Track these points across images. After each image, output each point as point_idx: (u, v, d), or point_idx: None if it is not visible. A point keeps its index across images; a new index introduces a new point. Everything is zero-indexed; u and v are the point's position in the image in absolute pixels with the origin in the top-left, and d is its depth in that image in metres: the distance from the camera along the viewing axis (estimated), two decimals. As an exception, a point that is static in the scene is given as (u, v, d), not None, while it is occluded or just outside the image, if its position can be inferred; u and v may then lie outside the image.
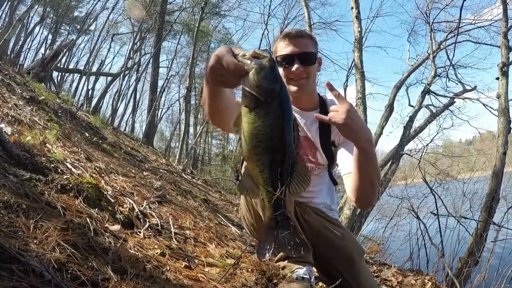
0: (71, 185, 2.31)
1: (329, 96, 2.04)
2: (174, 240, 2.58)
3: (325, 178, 2.16)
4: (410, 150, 9.46)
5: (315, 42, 1.94)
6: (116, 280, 1.51)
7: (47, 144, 3.17)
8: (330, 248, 1.99)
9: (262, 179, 1.03)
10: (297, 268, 1.85)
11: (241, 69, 1.02)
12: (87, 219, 1.99)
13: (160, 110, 23.80)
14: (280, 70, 1.82)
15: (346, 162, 1.83)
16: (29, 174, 2.23)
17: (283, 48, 1.88)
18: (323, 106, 2.00)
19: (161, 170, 6.57)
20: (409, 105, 10.84)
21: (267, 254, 1.10)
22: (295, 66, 1.83)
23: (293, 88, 1.87)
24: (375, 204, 8.34)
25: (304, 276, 1.81)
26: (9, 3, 13.83)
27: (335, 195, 2.35)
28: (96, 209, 2.28)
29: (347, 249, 1.98)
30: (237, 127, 1.03)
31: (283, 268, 1.96)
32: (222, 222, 4.28)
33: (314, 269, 2.09)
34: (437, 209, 6.38)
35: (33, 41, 18.85)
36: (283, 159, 1.01)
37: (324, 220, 2.04)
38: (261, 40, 22.82)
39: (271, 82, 0.99)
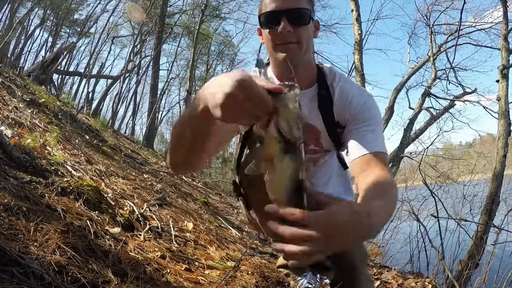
0: (71, 188, 2.31)
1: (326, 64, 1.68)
2: (174, 242, 2.58)
3: (334, 164, 1.82)
4: (411, 153, 9.46)
5: (311, 0, 1.49)
6: (116, 282, 1.51)
7: (47, 147, 3.17)
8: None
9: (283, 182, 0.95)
10: (299, 278, 1.81)
11: (268, 104, 0.87)
12: (87, 221, 1.99)
13: (161, 112, 23.79)
14: (266, 34, 1.45)
15: (355, 147, 1.47)
16: (29, 176, 2.23)
17: (267, 4, 1.42)
18: (321, 81, 1.58)
19: (161, 173, 6.57)
20: (409, 107, 10.87)
21: None
22: (282, 25, 1.38)
23: (280, 55, 1.43)
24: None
25: (309, 286, 1.77)
26: (9, 5, 13.85)
27: (348, 180, 2.01)
28: (97, 212, 2.28)
29: (350, 255, 1.77)
30: (262, 171, 0.95)
31: (287, 275, 1.93)
32: (222, 225, 4.28)
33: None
34: (437, 211, 6.36)
35: (33, 43, 18.97)
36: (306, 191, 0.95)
37: None
38: (261, 44, 22.85)
39: (306, 119, 0.93)
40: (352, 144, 1.47)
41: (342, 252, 1.41)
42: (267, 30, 1.44)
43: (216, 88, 0.90)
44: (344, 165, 1.81)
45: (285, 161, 0.91)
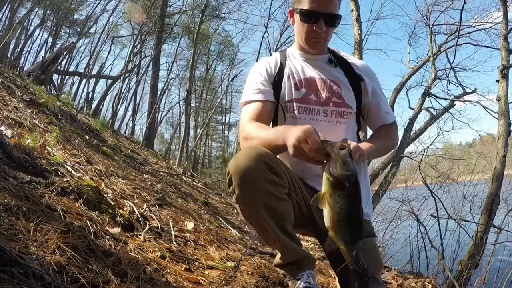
0: (71, 188, 2.31)
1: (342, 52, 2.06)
2: (174, 242, 2.58)
3: (352, 135, 1.95)
4: (411, 153, 9.47)
5: (339, 3, 1.82)
6: (116, 283, 1.50)
7: (47, 147, 3.17)
8: (343, 258, 1.87)
9: (344, 243, 1.31)
10: (296, 279, 1.79)
11: (323, 150, 1.27)
12: (87, 221, 1.99)
13: (160, 112, 23.78)
14: (302, 24, 1.80)
15: (379, 115, 2.00)
16: (29, 177, 2.23)
17: (308, 2, 1.73)
18: (337, 57, 1.96)
19: (161, 173, 6.57)
20: (409, 107, 10.88)
21: None
22: (319, 26, 1.74)
23: (311, 44, 1.85)
24: (377, 203, 8.34)
25: (305, 286, 1.75)
26: (9, 5, 13.85)
27: (366, 166, 2.17)
28: (96, 212, 2.28)
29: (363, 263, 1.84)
30: (318, 204, 1.27)
31: (284, 275, 1.91)
32: (222, 225, 4.28)
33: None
34: (437, 211, 6.37)
35: (33, 43, 18.91)
36: (359, 225, 1.29)
37: None
38: (261, 43, 22.81)
39: (355, 171, 1.23)
40: (377, 113, 1.99)
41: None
42: (305, 24, 1.78)
43: (293, 132, 1.39)
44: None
45: (334, 199, 1.22)
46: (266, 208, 1.58)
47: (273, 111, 1.88)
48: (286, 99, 1.87)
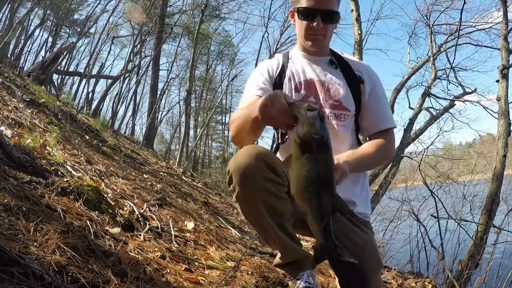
0: (71, 188, 2.31)
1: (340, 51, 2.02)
2: (174, 242, 2.58)
3: (350, 138, 1.93)
4: (411, 153, 9.46)
5: (338, 1, 1.84)
6: (116, 282, 1.51)
7: (47, 147, 3.18)
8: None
9: (311, 213, 1.22)
10: (296, 278, 1.79)
11: (290, 113, 1.23)
12: (87, 222, 1.99)
13: (160, 112, 23.78)
14: (301, 22, 1.81)
15: (374, 119, 1.90)
16: (29, 177, 2.24)
17: (305, 0, 1.77)
18: (339, 59, 1.94)
19: (161, 173, 6.57)
20: (409, 107, 10.85)
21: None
22: (316, 23, 1.75)
23: (309, 43, 1.84)
24: (378, 202, 8.34)
25: (305, 286, 1.75)
26: (9, 5, 13.85)
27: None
28: (96, 212, 2.29)
29: (362, 263, 1.74)
30: (286, 168, 1.22)
31: (284, 275, 1.91)
32: (222, 225, 4.28)
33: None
34: (437, 211, 6.37)
35: (33, 43, 18.89)
36: (330, 196, 1.19)
37: (346, 222, 1.84)
38: (261, 43, 22.86)
39: (323, 134, 1.16)
40: (374, 117, 1.90)
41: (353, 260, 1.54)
42: (304, 22, 1.79)
43: (262, 99, 1.40)
44: (360, 143, 1.97)
45: (300, 162, 1.14)
46: (265, 207, 1.57)
47: None
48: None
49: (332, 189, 1.21)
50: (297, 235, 1.94)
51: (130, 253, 1.95)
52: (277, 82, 1.90)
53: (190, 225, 3.20)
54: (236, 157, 1.59)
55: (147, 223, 2.71)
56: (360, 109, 1.91)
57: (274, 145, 1.99)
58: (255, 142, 1.66)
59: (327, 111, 1.85)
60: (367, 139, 1.96)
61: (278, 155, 1.90)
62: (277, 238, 1.69)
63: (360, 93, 1.89)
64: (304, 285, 1.72)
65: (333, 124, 1.83)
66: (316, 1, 1.75)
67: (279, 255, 1.85)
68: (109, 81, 18.84)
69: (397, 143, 9.52)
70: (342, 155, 1.60)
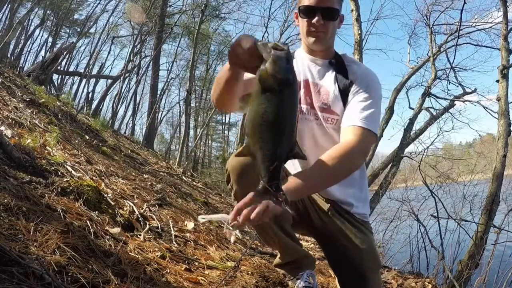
0: (71, 188, 2.31)
1: (348, 55, 2.01)
2: (174, 242, 2.58)
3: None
4: (411, 153, 9.45)
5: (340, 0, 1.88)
6: (116, 282, 1.51)
7: (47, 147, 3.18)
8: (342, 258, 1.87)
9: (261, 154, 1.13)
10: (296, 278, 1.80)
11: (257, 53, 1.16)
12: (87, 222, 1.99)
13: (160, 112, 23.81)
14: (302, 21, 1.83)
15: (348, 113, 1.77)
16: (29, 177, 2.23)
17: None
18: (339, 62, 1.91)
19: (161, 173, 6.57)
20: (409, 107, 10.84)
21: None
22: (316, 19, 1.77)
23: (311, 39, 1.84)
24: (375, 205, 8.34)
25: (307, 285, 1.76)
26: (9, 5, 13.85)
27: (365, 171, 2.09)
28: (96, 212, 2.28)
29: (361, 263, 1.82)
30: (243, 103, 1.21)
31: (284, 275, 1.92)
32: (222, 225, 4.28)
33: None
34: (437, 211, 6.37)
35: (33, 43, 18.93)
36: (283, 141, 1.12)
37: (344, 222, 1.86)
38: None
39: (285, 73, 1.10)
40: (346, 112, 1.78)
41: (352, 259, 1.74)
42: (305, 19, 1.81)
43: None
44: None
45: (259, 99, 1.10)
46: None
47: None
48: None
49: (290, 134, 1.14)
50: (297, 235, 1.95)
51: (130, 253, 1.95)
52: None
53: (190, 225, 3.20)
54: (234, 155, 1.62)
55: (147, 223, 2.71)
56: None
57: None
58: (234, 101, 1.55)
59: (318, 113, 1.86)
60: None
61: None
62: (276, 238, 1.70)
63: (347, 97, 1.85)
64: (304, 285, 1.73)
65: (324, 125, 1.85)
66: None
67: (279, 255, 1.85)
68: (109, 81, 18.89)
69: (397, 143, 9.53)
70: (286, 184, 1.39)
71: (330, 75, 1.89)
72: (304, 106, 1.87)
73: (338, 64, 1.91)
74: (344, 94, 1.84)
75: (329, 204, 1.89)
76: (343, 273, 1.92)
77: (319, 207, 1.90)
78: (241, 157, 1.57)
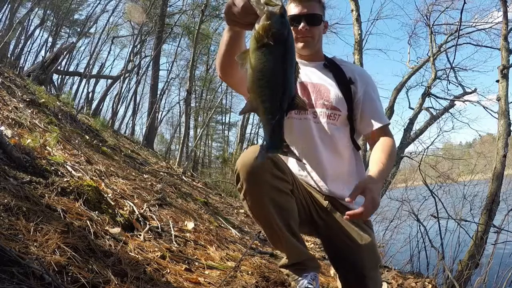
0: (71, 188, 2.31)
1: (338, 56, 2.17)
2: (174, 243, 2.58)
3: (344, 137, 2.02)
4: (411, 153, 9.45)
5: (323, 7, 2.03)
6: (116, 282, 1.51)
7: (47, 147, 3.17)
8: (341, 254, 1.93)
9: (263, 108, 1.16)
10: (300, 278, 1.81)
11: (251, 10, 1.17)
12: (87, 222, 1.99)
13: (160, 112, 23.80)
14: None
15: (370, 117, 1.98)
16: (29, 177, 2.23)
17: (292, 9, 1.96)
18: (331, 62, 2.08)
19: (161, 173, 6.57)
20: (409, 107, 10.84)
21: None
22: (301, 25, 1.92)
23: (299, 44, 1.98)
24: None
25: (309, 285, 1.77)
26: (9, 5, 13.85)
27: (363, 167, 2.17)
28: (96, 212, 2.28)
29: (361, 259, 1.87)
30: (242, 61, 1.16)
31: (287, 275, 1.93)
32: (222, 225, 4.28)
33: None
34: (437, 211, 6.37)
35: (33, 43, 18.92)
36: (283, 93, 1.15)
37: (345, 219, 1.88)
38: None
39: (280, 27, 1.11)
40: (368, 116, 1.98)
41: (351, 256, 1.87)
42: (291, 27, 1.72)
43: None
44: (357, 146, 2.08)
45: (255, 55, 1.12)
46: (272, 203, 1.64)
47: None
48: None
49: (290, 86, 1.17)
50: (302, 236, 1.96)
51: (130, 253, 1.95)
52: None
53: (190, 225, 3.20)
54: (243, 154, 1.67)
55: (147, 223, 2.71)
56: (353, 109, 2.00)
57: None
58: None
59: (318, 110, 1.96)
60: (363, 137, 2.18)
61: None
62: (284, 238, 1.73)
63: (351, 94, 2.00)
64: (306, 285, 1.74)
65: (323, 123, 1.95)
66: (300, 8, 1.94)
67: (285, 256, 1.87)
68: (109, 81, 18.87)
69: (397, 143, 9.52)
70: (373, 179, 1.65)
71: (328, 75, 2.03)
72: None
73: (332, 65, 2.06)
74: (345, 90, 1.98)
75: (327, 201, 1.96)
76: (343, 270, 1.95)
77: (319, 204, 1.97)
78: (251, 156, 1.61)
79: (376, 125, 1.94)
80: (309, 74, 2.03)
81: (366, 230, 1.93)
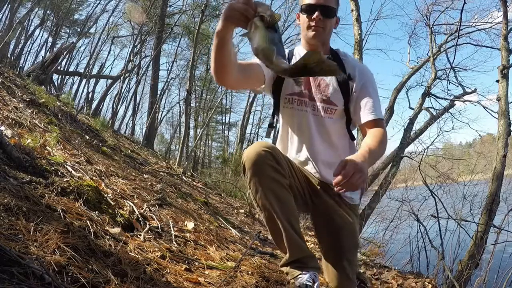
0: (71, 188, 2.31)
1: (341, 50, 2.25)
2: (174, 243, 2.58)
3: (340, 129, 2.16)
4: (411, 153, 9.42)
5: (337, 3, 2.11)
6: (116, 282, 1.51)
7: (47, 147, 3.17)
8: (324, 231, 2.10)
9: (269, 50, 1.44)
10: (299, 275, 1.83)
11: (252, 7, 1.44)
12: (87, 222, 1.99)
13: (160, 112, 23.81)
14: (303, 17, 2.07)
15: (363, 110, 2.04)
16: (29, 177, 2.23)
17: None
18: (335, 56, 2.16)
19: (161, 173, 6.57)
20: (409, 107, 10.81)
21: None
22: (316, 14, 2.00)
23: (310, 33, 2.06)
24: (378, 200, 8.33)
25: (307, 283, 1.78)
26: (9, 5, 13.85)
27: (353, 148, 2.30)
28: (96, 212, 2.28)
29: (340, 239, 2.04)
30: (249, 32, 1.48)
31: (287, 273, 1.94)
32: (222, 225, 4.28)
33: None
34: (437, 211, 6.37)
35: (33, 43, 18.94)
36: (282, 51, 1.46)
37: (330, 201, 2.09)
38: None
39: (278, 19, 1.49)
40: (361, 109, 2.04)
41: (333, 234, 2.02)
42: (306, 15, 2.05)
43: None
44: (351, 136, 2.18)
45: (264, 31, 1.44)
46: (273, 194, 1.78)
47: (257, 75, 2.04)
48: (289, 91, 2.13)
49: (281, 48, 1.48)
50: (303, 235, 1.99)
51: (130, 253, 1.95)
52: None
53: (190, 225, 3.20)
54: (249, 148, 1.86)
55: (147, 223, 2.71)
56: (349, 104, 2.11)
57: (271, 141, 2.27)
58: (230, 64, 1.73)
59: (317, 104, 2.10)
60: (358, 128, 2.20)
61: (279, 137, 2.23)
62: (285, 232, 1.82)
63: (348, 90, 2.09)
64: (305, 282, 1.76)
65: (320, 116, 2.10)
66: None
67: (285, 255, 1.90)
68: (109, 81, 18.89)
69: (397, 143, 9.51)
70: (357, 156, 1.69)
71: None
72: (303, 99, 2.11)
73: (334, 59, 2.10)
74: (343, 86, 2.09)
75: (319, 186, 2.11)
76: (325, 246, 2.11)
77: (312, 187, 2.12)
78: (254, 149, 1.80)
79: (368, 117, 2.01)
80: None
81: (350, 215, 2.09)
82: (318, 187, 2.11)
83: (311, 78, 2.12)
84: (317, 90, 2.11)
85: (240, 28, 1.56)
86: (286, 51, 2.21)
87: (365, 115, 2.02)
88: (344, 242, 2.02)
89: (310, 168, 2.13)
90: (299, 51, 2.21)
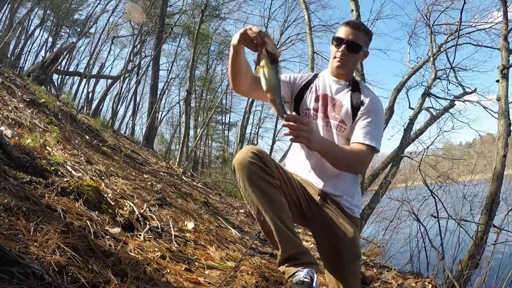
0: (71, 188, 2.31)
1: (363, 83, 2.40)
2: (174, 243, 2.58)
3: (347, 143, 2.27)
4: (411, 153, 9.41)
5: (369, 38, 2.31)
6: (116, 282, 1.51)
7: (47, 147, 3.18)
8: (325, 244, 2.15)
9: (277, 99, 1.77)
10: (296, 272, 1.83)
11: (261, 36, 1.74)
12: (87, 222, 1.99)
13: (160, 112, 23.79)
14: (333, 47, 2.27)
15: (358, 132, 2.15)
16: (29, 177, 2.24)
17: (340, 31, 2.25)
18: (355, 84, 2.31)
19: (161, 173, 6.57)
20: (409, 107, 10.80)
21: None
22: (342, 48, 2.19)
23: (335, 63, 2.25)
24: (377, 206, 8.33)
25: (304, 279, 1.78)
26: (9, 5, 13.85)
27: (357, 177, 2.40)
28: (96, 212, 2.29)
29: (341, 251, 2.07)
30: (257, 73, 1.76)
31: (283, 273, 1.94)
32: (222, 225, 4.28)
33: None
34: (437, 211, 6.36)
35: (33, 43, 18.94)
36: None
37: (331, 212, 2.15)
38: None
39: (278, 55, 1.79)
40: (355, 130, 2.16)
41: (333, 246, 2.06)
42: (333, 47, 2.26)
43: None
44: None
45: (270, 68, 1.72)
46: (260, 191, 1.86)
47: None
48: (306, 106, 2.30)
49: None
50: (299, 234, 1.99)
51: (130, 253, 1.95)
52: (301, 89, 2.36)
53: (190, 225, 3.20)
54: (239, 151, 1.95)
55: (147, 223, 2.71)
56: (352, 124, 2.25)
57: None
58: (242, 72, 2.03)
59: (331, 121, 2.25)
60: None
61: (291, 149, 2.44)
62: (275, 228, 1.85)
63: (357, 113, 2.22)
64: (302, 279, 1.76)
65: (331, 131, 2.22)
66: (346, 33, 2.21)
67: (280, 251, 1.90)
68: (109, 81, 18.87)
69: (397, 143, 9.49)
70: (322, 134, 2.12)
71: (346, 93, 2.27)
72: (319, 114, 2.26)
73: (354, 87, 2.29)
74: (354, 110, 2.21)
75: (320, 197, 2.18)
76: (327, 257, 2.15)
77: (311, 198, 2.19)
78: (243, 152, 1.92)
79: (358, 140, 2.12)
80: (332, 89, 2.30)
81: (351, 225, 2.13)
82: (318, 197, 2.18)
83: (329, 98, 2.27)
84: (332, 109, 2.24)
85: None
86: (312, 74, 2.48)
87: (357, 137, 2.13)
88: (345, 253, 2.06)
89: (312, 177, 2.22)
90: (324, 76, 2.37)
